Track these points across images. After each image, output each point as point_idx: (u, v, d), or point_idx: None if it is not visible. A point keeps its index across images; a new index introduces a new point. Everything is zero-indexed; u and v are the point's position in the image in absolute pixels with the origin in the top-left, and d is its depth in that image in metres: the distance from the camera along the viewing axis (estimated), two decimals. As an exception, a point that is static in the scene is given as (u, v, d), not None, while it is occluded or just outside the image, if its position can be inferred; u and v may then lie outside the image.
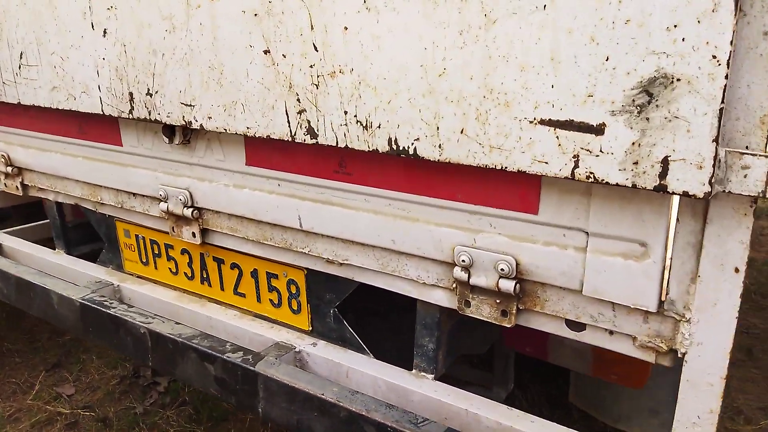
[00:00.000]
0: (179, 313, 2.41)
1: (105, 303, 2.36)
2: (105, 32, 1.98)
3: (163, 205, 2.22)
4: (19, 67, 2.36)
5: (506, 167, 1.34)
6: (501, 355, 2.69)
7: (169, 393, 4.18)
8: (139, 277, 2.69)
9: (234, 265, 2.29)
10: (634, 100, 1.16)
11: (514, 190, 1.48)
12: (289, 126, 1.67)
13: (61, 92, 2.23)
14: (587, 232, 1.40)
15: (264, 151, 1.91)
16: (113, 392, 4.18)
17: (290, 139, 1.68)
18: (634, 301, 1.38)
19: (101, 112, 2.11)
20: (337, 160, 1.75)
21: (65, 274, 2.81)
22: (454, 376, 3.02)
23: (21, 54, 2.33)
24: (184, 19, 1.76)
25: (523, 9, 1.23)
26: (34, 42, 2.25)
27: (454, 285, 1.66)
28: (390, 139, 1.50)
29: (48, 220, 3.81)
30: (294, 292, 2.15)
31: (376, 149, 1.53)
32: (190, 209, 2.15)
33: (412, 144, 1.47)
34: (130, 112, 2.02)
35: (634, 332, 1.45)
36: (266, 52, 1.64)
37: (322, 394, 1.79)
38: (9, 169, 2.85)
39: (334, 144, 1.60)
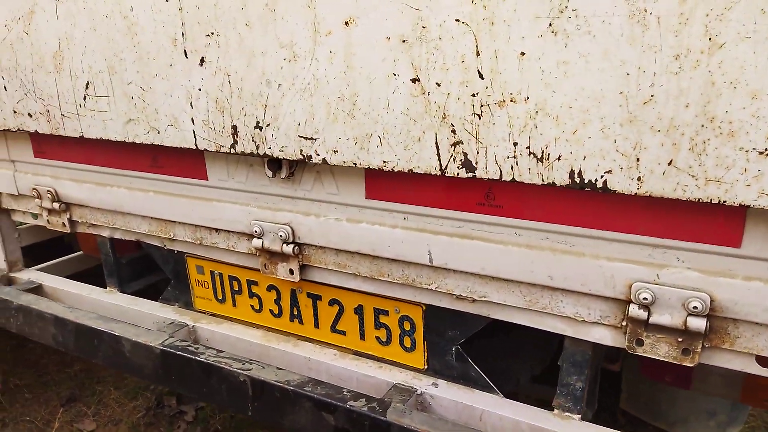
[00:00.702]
0: (269, 354, 2.26)
1: (190, 349, 2.18)
2: (202, 60, 1.82)
3: (256, 242, 2.06)
4: (84, 99, 2.18)
5: (724, 201, 1.24)
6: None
7: (199, 422, 3.99)
8: (212, 315, 2.52)
9: (333, 302, 2.14)
10: None
11: (710, 221, 1.37)
12: (439, 159, 1.54)
13: (139, 125, 2.06)
14: (798, 265, 1.31)
15: (389, 184, 1.77)
16: (138, 425, 3.97)
17: (439, 173, 1.55)
18: None
19: (194, 147, 1.94)
20: (482, 192, 1.63)
21: (125, 315, 2.62)
22: (519, 392, 2.91)
23: (87, 84, 2.14)
24: (309, 46, 1.62)
25: (760, 33, 1.12)
26: (105, 71, 2.07)
27: (623, 323, 1.55)
28: (572, 172, 1.38)
29: (77, 254, 3.64)
30: (408, 329, 2.02)
31: (553, 182, 1.41)
32: (291, 245, 2.00)
33: (602, 177, 1.35)
34: (232, 146, 1.86)
35: (842, 367, 1.36)
36: (414, 80, 1.50)
37: (471, 445, 1.67)
38: (56, 205, 2.65)
39: (497, 178, 1.47)
